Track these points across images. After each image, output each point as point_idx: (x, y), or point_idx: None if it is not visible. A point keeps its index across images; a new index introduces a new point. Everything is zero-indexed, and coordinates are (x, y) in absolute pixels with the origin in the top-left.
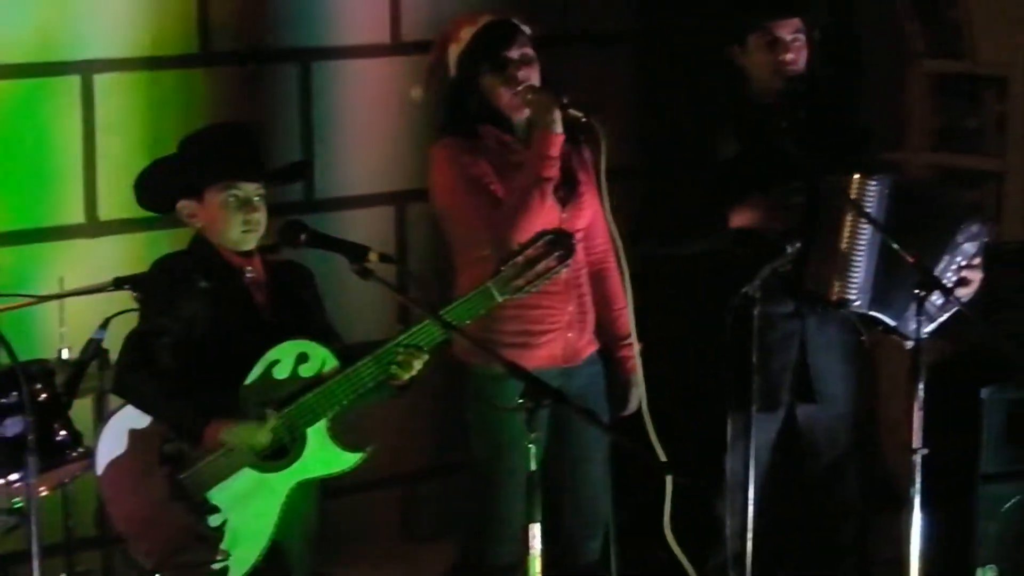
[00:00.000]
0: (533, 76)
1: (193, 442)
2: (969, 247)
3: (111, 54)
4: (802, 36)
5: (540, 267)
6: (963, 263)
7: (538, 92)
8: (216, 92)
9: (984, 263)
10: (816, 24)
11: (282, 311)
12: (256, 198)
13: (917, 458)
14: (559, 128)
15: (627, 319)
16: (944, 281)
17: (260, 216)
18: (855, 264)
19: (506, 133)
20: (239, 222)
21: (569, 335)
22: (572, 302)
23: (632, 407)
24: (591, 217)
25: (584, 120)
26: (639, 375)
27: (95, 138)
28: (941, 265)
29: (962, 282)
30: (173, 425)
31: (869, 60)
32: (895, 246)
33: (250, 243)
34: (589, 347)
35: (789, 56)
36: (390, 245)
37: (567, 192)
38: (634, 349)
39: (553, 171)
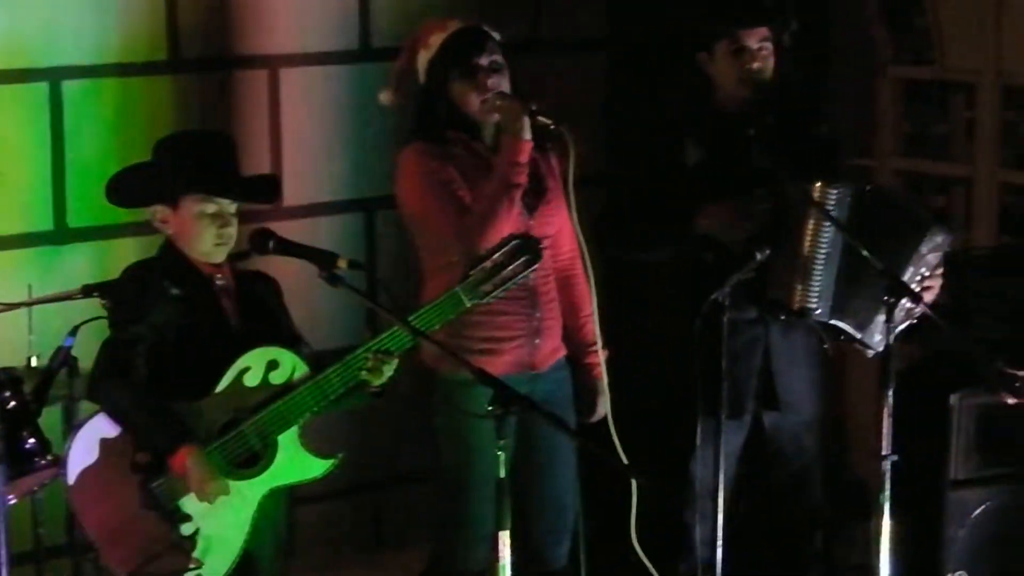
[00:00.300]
0: (503, 83)
1: (162, 462)
2: (932, 257)
3: (79, 61)
4: (769, 44)
5: (508, 272)
6: (926, 273)
7: (507, 98)
8: (185, 99)
9: (945, 270)
10: (783, 32)
11: (251, 319)
12: (230, 213)
13: (886, 464)
14: (528, 135)
15: (593, 326)
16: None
17: (233, 231)
18: (816, 273)
19: (475, 139)
20: (212, 235)
21: (536, 341)
22: (539, 308)
23: (599, 414)
24: (558, 224)
25: (553, 127)
26: (605, 382)
27: (64, 145)
28: (906, 276)
29: (924, 291)
30: (143, 440)
31: (838, 67)
32: (864, 252)
33: (220, 256)
34: (556, 353)
35: (756, 64)
36: (359, 252)
37: (534, 199)
38: (600, 356)
39: (522, 177)
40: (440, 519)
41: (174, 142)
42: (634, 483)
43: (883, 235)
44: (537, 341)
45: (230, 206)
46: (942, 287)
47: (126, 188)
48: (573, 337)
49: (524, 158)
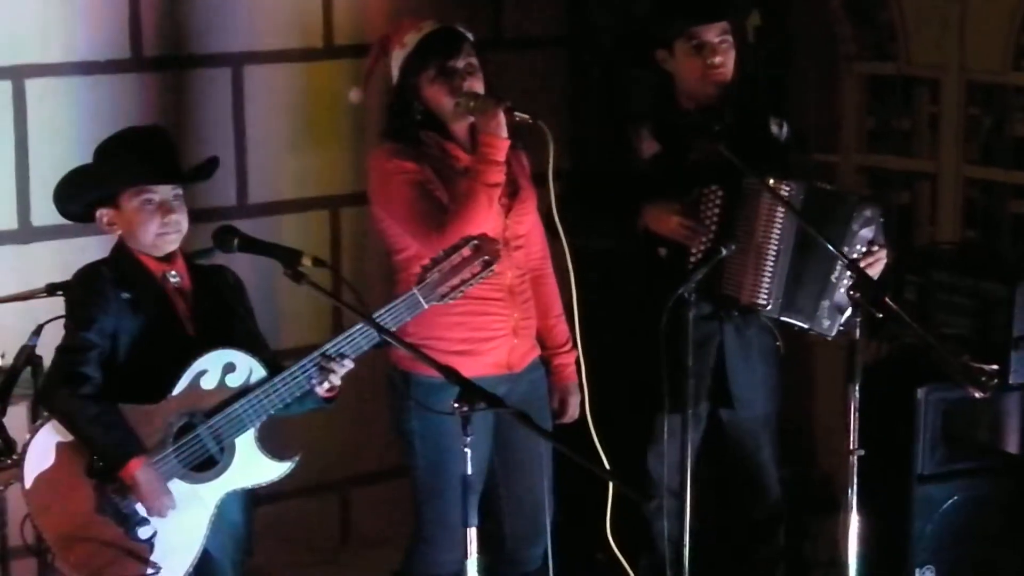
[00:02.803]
0: (477, 85)
1: (111, 473)
2: (866, 232)
3: (42, 59)
4: (729, 38)
5: (465, 273)
6: (863, 249)
7: (481, 98)
8: (148, 97)
9: (887, 241)
10: (743, 25)
11: (206, 319)
12: (173, 200)
13: (853, 459)
14: (504, 132)
15: (564, 326)
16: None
17: (178, 217)
18: (767, 269)
19: (448, 140)
20: (156, 224)
21: (514, 341)
22: (516, 308)
23: (571, 415)
24: (530, 223)
25: (532, 123)
26: (578, 383)
27: (27, 143)
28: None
29: (868, 257)
30: (94, 451)
31: (801, 62)
32: (830, 247)
33: (170, 245)
34: (532, 353)
35: (717, 59)
36: (323, 250)
37: (509, 198)
38: (573, 356)
39: (500, 176)
40: (414, 519)
41: (108, 142)
42: (611, 485)
43: (818, 221)
44: (515, 341)
45: (171, 192)
46: (889, 251)
47: (69, 201)
48: (544, 338)
49: (502, 156)
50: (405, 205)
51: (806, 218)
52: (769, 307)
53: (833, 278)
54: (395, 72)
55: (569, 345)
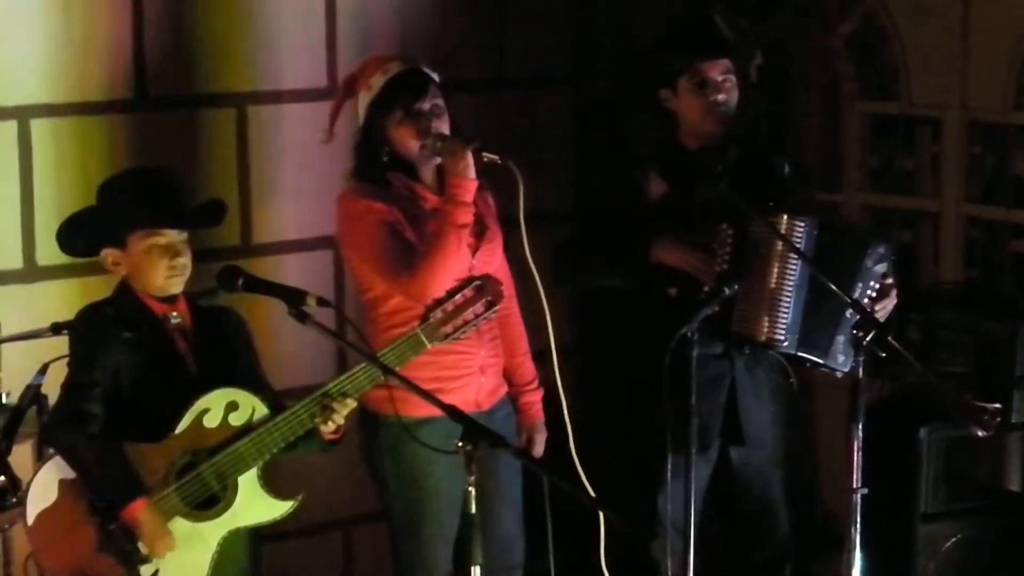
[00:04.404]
0: (443, 127)
1: (113, 512)
2: (879, 268)
3: (48, 99)
4: (732, 77)
5: (468, 314)
6: (875, 285)
7: (448, 139)
8: (153, 137)
9: (896, 277)
10: (747, 63)
11: (207, 358)
12: (180, 243)
13: (856, 498)
14: (472, 173)
15: (530, 364)
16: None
17: (184, 260)
18: (783, 305)
19: (416, 181)
20: (164, 268)
21: (482, 379)
22: (484, 346)
23: (538, 452)
24: (496, 263)
25: (500, 163)
26: (542, 420)
27: (32, 183)
28: (856, 292)
29: (880, 296)
30: (96, 490)
31: (804, 101)
32: (832, 286)
33: (175, 288)
34: (500, 389)
35: (720, 97)
36: (327, 289)
37: (476, 239)
38: (539, 394)
39: (469, 217)
40: (394, 562)
41: (113, 183)
42: (601, 516)
43: (831, 259)
44: (483, 379)
45: (178, 236)
46: (899, 291)
47: (72, 238)
48: (511, 376)
49: (470, 197)
50: (375, 245)
51: (819, 254)
52: (786, 343)
53: (848, 314)
54: (361, 114)
55: (536, 383)
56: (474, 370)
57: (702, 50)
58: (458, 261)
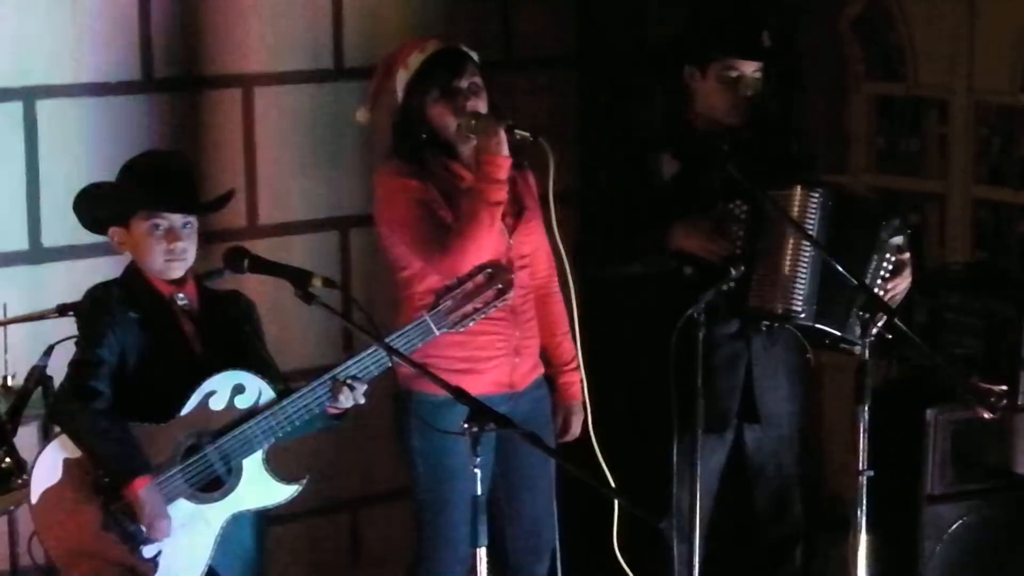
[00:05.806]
0: (480, 105)
1: (117, 491)
2: (895, 240)
3: (53, 80)
4: (760, 73)
5: (478, 301)
6: (891, 258)
7: (482, 118)
8: (159, 118)
9: (912, 249)
10: (773, 68)
11: (213, 341)
12: (183, 227)
13: (862, 480)
14: (506, 151)
15: (570, 345)
16: (877, 279)
17: (185, 245)
18: (800, 277)
19: (453, 160)
20: (162, 251)
21: (515, 360)
22: (518, 327)
23: (574, 433)
24: (536, 242)
25: (533, 140)
26: (582, 401)
27: (38, 164)
28: (871, 266)
29: (897, 271)
30: (100, 466)
31: (811, 82)
32: (839, 268)
33: (175, 272)
34: (534, 372)
35: (751, 92)
36: (334, 270)
37: (513, 219)
38: (578, 375)
39: (502, 195)
40: (416, 539)
41: (132, 163)
42: (616, 503)
43: (845, 231)
44: (517, 360)
45: (181, 221)
46: (913, 269)
47: (83, 211)
48: (549, 356)
49: (504, 175)
50: (409, 223)
51: (834, 225)
52: (804, 315)
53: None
54: (399, 93)
55: (575, 363)
56: (507, 351)
57: (744, 49)
58: (491, 239)
